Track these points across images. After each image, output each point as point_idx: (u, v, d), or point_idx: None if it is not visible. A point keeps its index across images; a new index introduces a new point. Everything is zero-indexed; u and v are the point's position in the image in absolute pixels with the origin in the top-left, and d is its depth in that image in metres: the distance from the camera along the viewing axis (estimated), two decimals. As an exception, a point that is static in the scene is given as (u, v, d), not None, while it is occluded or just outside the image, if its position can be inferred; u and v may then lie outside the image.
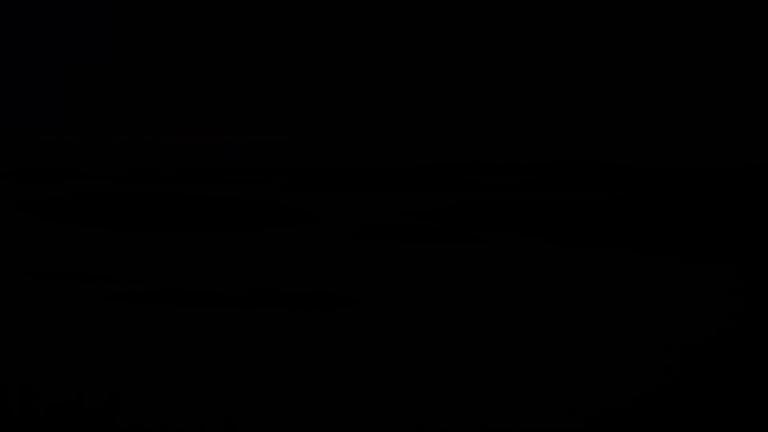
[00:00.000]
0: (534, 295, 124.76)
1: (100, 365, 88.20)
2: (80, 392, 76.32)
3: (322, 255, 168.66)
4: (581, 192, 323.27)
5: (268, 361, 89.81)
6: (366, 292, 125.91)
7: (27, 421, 23.90)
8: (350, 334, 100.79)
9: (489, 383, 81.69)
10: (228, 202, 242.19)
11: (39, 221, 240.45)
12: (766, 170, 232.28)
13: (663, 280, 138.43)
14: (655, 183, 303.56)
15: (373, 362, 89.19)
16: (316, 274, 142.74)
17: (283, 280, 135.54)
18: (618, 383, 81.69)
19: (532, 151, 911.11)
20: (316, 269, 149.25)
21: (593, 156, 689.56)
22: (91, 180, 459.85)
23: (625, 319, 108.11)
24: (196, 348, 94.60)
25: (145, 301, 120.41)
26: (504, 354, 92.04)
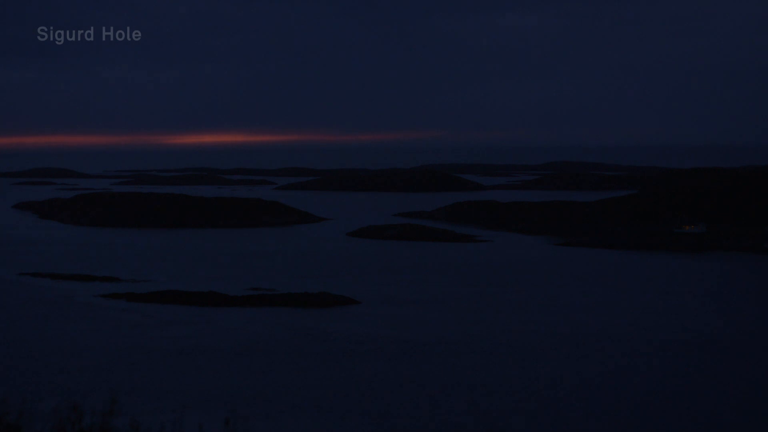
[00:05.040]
0: (534, 294, 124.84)
1: (100, 364, 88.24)
2: (80, 391, 76.38)
3: (322, 255, 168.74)
4: (581, 192, 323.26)
5: (268, 361, 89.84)
6: (366, 292, 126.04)
7: (27, 420, 23.81)
8: (350, 333, 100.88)
9: (488, 382, 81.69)
10: (228, 202, 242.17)
11: (39, 221, 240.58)
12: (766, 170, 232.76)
13: (663, 279, 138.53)
14: (656, 183, 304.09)
15: (372, 361, 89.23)
16: (317, 274, 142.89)
17: (284, 280, 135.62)
18: (620, 380, 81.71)
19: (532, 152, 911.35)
20: (316, 269, 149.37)
21: (594, 157, 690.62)
22: (90, 180, 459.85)
23: (624, 318, 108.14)
24: (196, 348, 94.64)
25: (145, 301, 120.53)
26: (503, 353, 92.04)
